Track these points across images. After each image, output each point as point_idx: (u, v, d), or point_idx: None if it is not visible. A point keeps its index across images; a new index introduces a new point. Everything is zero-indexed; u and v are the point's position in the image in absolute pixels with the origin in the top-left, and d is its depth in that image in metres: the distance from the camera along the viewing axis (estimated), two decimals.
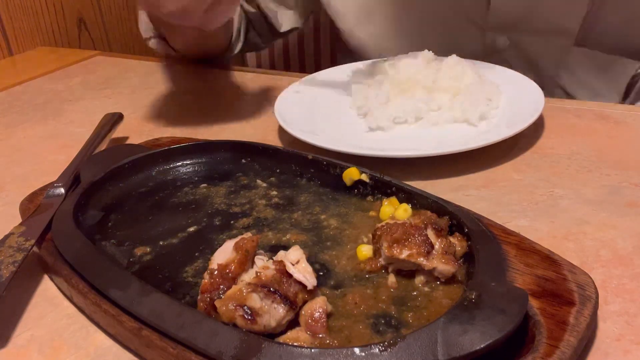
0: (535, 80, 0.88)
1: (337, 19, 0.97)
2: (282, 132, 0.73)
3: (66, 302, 0.47)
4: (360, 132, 0.71)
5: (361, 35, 0.96)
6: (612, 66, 0.86)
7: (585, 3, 0.81)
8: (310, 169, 0.58)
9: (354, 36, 0.97)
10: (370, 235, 0.47)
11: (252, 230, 0.51)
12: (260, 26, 1.00)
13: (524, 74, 0.88)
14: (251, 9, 0.96)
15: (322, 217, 0.52)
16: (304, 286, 0.40)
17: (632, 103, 0.88)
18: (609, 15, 0.83)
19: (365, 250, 0.46)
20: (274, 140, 0.72)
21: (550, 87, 0.89)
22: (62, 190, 0.56)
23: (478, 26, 0.88)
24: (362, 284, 0.44)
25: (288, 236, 0.50)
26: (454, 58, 0.76)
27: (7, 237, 0.49)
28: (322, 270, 0.46)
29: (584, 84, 0.88)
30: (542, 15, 0.84)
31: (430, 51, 0.78)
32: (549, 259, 0.43)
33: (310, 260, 0.45)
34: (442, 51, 0.90)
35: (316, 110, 0.75)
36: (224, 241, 0.44)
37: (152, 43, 0.97)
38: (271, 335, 0.38)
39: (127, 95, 0.92)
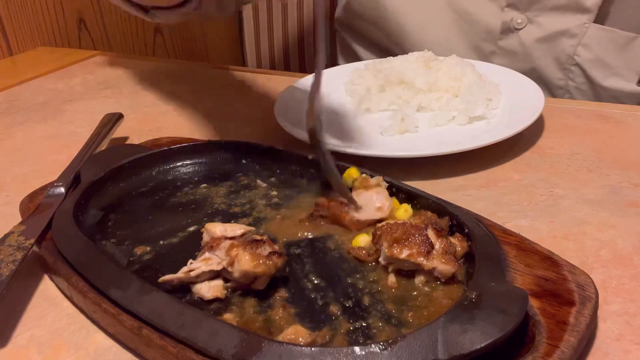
0: (552, 58, 0.87)
1: None
2: (282, 132, 0.73)
3: (66, 302, 0.47)
4: (361, 132, 0.71)
5: (379, 10, 0.96)
6: (631, 45, 0.85)
7: None
8: (310, 169, 0.58)
9: (373, 11, 0.96)
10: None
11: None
12: None
13: (542, 52, 0.88)
14: None
15: None
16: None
17: None
18: None
19: (361, 240, 0.47)
20: (274, 140, 0.72)
21: (568, 65, 0.88)
22: (62, 189, 0.56)
23: (496, 3, 0.88)
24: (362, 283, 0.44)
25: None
26: (454, 58, 0.76)
27: (7, 236, 0.49)
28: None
29: (602, 63, 0.87)
30: None
31: (432, 48, 0.78)
32: (549, 259, 0.43)
33: (310, 260, 0.46)
34: (461, 28, 0.89)
35: (324, 110, 0.75)
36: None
37: None
38: (270, 333, 0.39)
39: (127, 95, 0.92)
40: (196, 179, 0.60)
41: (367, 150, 0.61)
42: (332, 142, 0.63)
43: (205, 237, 0.47)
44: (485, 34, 0.90)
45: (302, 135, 0.65)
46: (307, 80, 0.82)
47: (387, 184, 0.51)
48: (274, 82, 0.91)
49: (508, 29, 0.89)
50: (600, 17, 0.85)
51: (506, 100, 0.72)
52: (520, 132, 0.63)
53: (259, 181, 0.58)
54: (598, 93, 0.88)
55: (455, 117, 0.69)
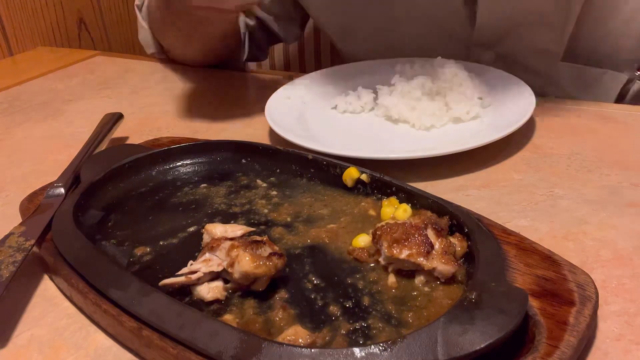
0: None
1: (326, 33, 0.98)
2: None
3: (66, 302, 0.47)
4: (360, 133, 0.71)
5: (346, 50, 0.97)
6: (600, 80, 0.85)
7: (569, 23, 0.80)
8: (310, 169, 0.58)
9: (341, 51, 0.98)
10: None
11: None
12: (259, 38, 1.00)
13: None
14: (249, 22, 0.96)
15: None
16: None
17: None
18: (590, 31, 0.82)
19: (361, 240, 0.47)
20: (274, 141, 0.72)
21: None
22: (62, 190, 0.56)
23: (463, 43, 0.86)
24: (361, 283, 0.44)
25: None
26: (440, 60, 0.76)
27: (7, 237, 0.49)
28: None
29: (571, 99, 0.86)
30: (528, 33, 0.82)
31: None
32: (549, 259, 0.43)
33: (310, 260, 0.46)
34: None
35: (314, 112, 0.75)
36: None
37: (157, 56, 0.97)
38: (270, 334, 0.39)
39: (127, 95, 0.92)
40: (196, 179, 0.60)
41: (366, 153, 0.60)
42: (331, 145, 0.62)
43: (206, 238, 0.47)
44: None
45: (299, 140, 0.64)
46: (301, 82, 0.82)
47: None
48: (274, 82, 0.91)
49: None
50: (567, 55, 0.84)
51: (499, 100, 0.71)
52: (520, 132, 0.63)
53: (258, 181, 0.58)
54: None
55: (450, 117, 0.69)
